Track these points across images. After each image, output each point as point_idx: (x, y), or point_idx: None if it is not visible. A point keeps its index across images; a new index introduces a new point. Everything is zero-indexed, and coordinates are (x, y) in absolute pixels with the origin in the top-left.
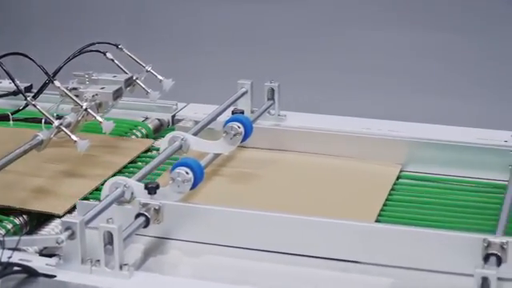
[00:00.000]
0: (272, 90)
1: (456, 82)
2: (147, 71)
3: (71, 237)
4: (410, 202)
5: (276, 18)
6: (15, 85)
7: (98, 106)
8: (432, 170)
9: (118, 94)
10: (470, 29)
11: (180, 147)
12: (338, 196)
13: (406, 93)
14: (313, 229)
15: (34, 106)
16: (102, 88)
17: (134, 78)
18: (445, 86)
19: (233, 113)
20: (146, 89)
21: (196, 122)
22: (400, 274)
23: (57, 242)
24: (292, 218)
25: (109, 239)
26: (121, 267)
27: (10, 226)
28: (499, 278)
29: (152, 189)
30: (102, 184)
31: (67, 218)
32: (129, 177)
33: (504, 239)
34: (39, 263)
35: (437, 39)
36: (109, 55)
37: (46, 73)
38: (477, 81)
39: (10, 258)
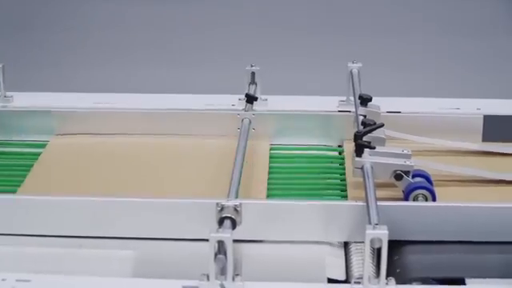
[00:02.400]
0: None
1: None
2: None
3: None
4: None
5: None
6: None
7: None
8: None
9: None
10: None
11: None
12: None
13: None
14: (43, 208)
15: None
16: None
17: None
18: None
19: None
20: None
21: None
22: (140, 245)
23: None
24: (22, 199)
25: None
26: None
27: None
28: (235, 240)
29: None
30: None
31: None
32: None
33: (237, 202)
34: None
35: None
36: None
37: None
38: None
39: None
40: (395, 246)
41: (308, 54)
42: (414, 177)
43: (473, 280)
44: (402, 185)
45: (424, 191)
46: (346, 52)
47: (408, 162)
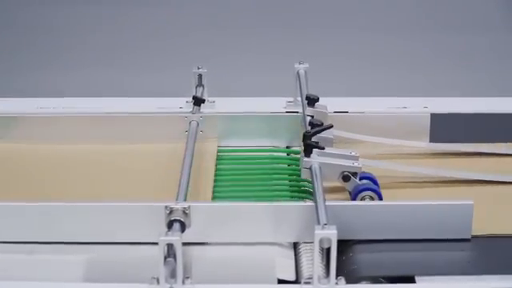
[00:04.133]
0: None
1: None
2: None
3: None
4: None
5: None
6: None
7: None
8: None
9: None
10: None
11: None
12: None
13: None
14: None
15: None
16: None
17: None
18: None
19: None
20: None
21: None
22: (95, 250)
23: None
24: None
25: None
26: None
27: None
28: (185, 243)
29: None
30: None
31: None
32: None
33: (186, 204)
34: None
35: None
36: None
37: None
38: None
39: None
40: (344, 245)
41: (255, 55)
42: (361, 179)
43: (422, 278)
44: (349, 186)
45: (371, 193)
46: (293, 52)
47: (356, 164)
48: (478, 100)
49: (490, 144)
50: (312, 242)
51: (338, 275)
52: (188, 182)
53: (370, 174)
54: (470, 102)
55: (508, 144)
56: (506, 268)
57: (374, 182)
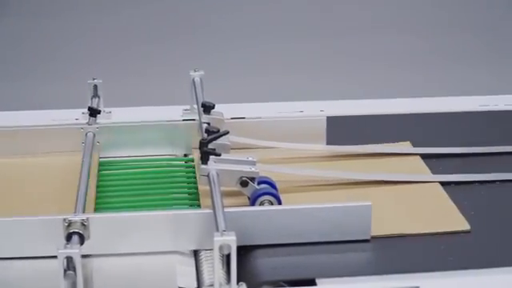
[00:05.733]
0: None
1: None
2: None
3: None
4: None
5: None
6: None
7: None
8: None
9: None
10: None
11: None
12: None
13: None
14: None
15: None
16: None
17: None
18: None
19: None
20: None
21: None
22: None
23: None
24: None
25: None
26: None
27: None
28: (85, 255)
29: None
30: None
31: None
32: None
33: (84, 216)
34: None
35: None
36: None
37: None
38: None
39: None
40: (244, 250)
41: (150, 64)
42: (259, 184)
43: (323, 280)
44: (247, 191)
45: (269, 197)
46: (189, 59)
47: (253, 169)
48: (374, 102)
49: (386, 144)
50: (212, 249)
51: (239, 281)
52: (86, 194)
53: (268, 178)
54: (366, 104)
55: (403, 143)
56: (405, 267)
57: (273, 186)
